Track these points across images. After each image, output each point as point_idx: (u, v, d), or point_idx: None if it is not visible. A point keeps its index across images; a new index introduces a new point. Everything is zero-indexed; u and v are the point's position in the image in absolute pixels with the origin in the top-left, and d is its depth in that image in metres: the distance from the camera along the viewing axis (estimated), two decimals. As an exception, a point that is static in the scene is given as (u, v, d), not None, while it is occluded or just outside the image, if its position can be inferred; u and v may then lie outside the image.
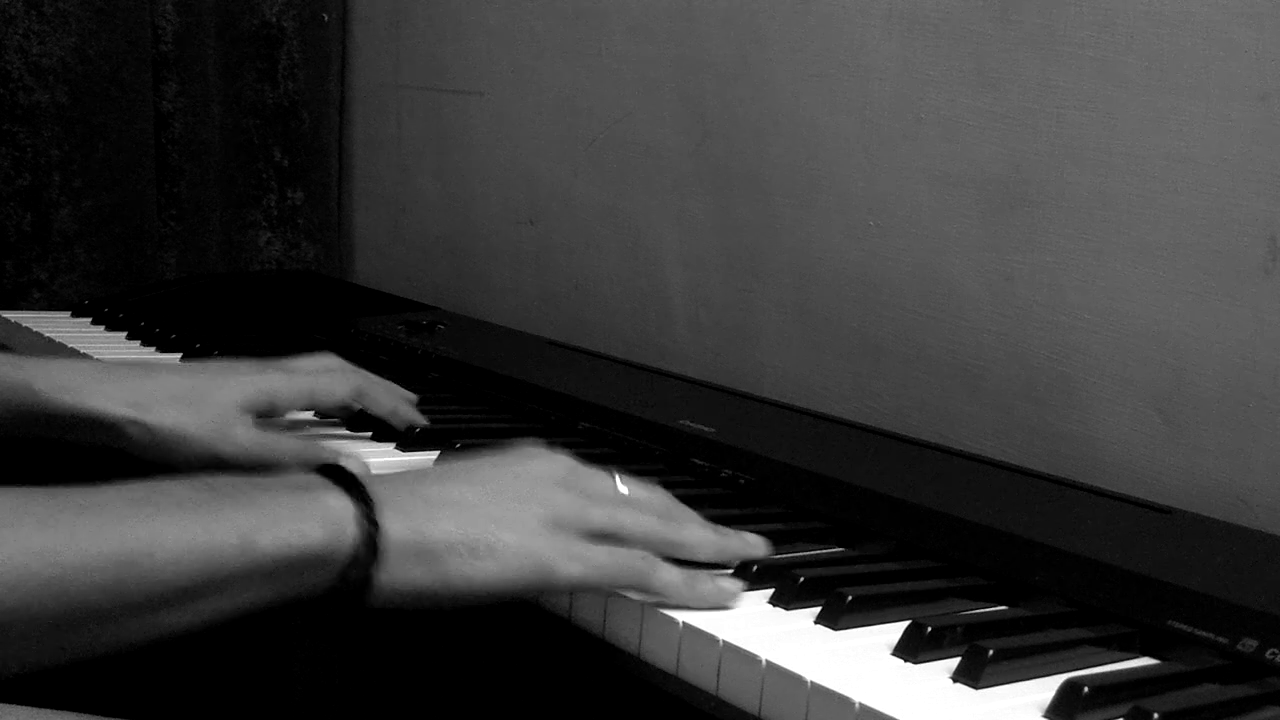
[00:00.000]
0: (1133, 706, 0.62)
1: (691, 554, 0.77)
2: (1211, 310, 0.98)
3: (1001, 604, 0.78)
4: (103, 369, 0.98)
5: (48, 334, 1.33)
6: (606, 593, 0.75)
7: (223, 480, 0.69)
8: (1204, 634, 0.71)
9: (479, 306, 1.59)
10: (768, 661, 0.67)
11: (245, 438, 0.94)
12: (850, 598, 0.73)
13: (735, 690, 0.68)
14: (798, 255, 1.25)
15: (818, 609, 0.74)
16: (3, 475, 0.70)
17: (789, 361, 1.26)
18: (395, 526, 0.69)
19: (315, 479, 0.70)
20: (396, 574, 0.69)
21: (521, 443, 0.79)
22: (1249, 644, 0.69)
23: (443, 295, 1.63)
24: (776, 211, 1.27)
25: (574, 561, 0.72)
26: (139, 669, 1.43)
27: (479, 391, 1.16)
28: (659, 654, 0.72)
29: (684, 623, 0.71)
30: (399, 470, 0.96)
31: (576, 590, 0.74)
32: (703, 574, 0.75)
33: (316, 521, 0.67)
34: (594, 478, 0.77)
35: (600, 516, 0.74)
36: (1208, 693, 0.68)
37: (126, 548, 0.63)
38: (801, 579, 0.76)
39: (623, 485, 0.78)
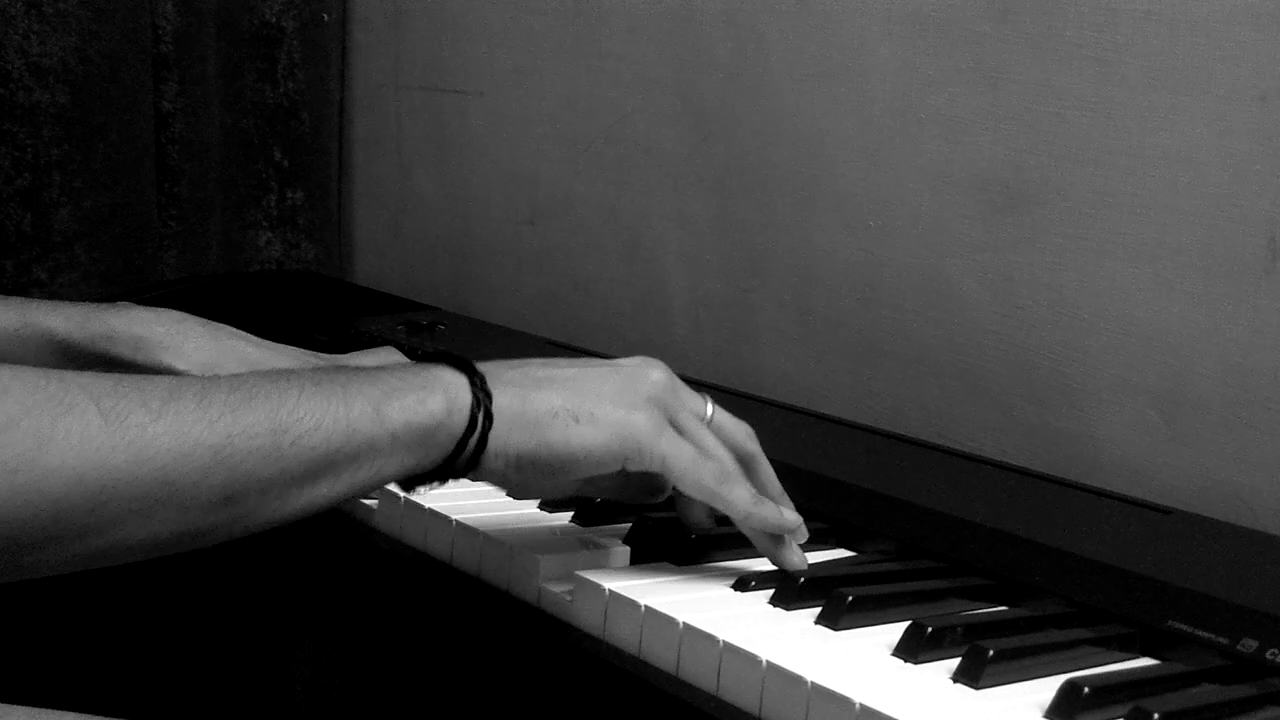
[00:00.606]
0: (1133, 707, 0.62)
1: (734, 512, 0.78)
2: (1211, 310, 0.98)
3: (1002, 604, 0.78)
4: (180, 325, 0.98)
5: (48, 334, 1.32)
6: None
7: (346, 369, 0.74)
8: (1204, 634, 0.71)
9: (479, 306, 1.59)
10: (768, 662, 0.67)
11: None
12: (850, 598, 0.73)
13: (735, 690, 0.68)
14: (798, 255, 1.25)
15: (818, 609, 0.74)
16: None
17: (789, 361, 1.26)
18: (504, 396, 0.74)
19: (429, 362, 0.75)
20: (508, 439, 0.74)
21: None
22: (1249, 644, 0.69)
23: (443, 295, 1.63)
24: (776, 211, 1.27)
25: (666, 441, 0.76)
26: (139, 669, 1.43)
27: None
28: (659, 654, 0.72)
29: (684, 623, 0.71)
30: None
31: (664, 470, 0.76)
32: (768, 503, 0.78)
33: (437, 392, 0.72)
34: (690, 393, 0.81)
35: (686, 419, 0.78)
36: (1208, 693, 0.68)
37: (279, 417, 0.67)
38: (802, 579, 0.76)
39: (711, 408, 0.81)
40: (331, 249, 1.78)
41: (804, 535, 0.80)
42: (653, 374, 0.79)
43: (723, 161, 1.32)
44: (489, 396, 0.74)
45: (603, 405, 0.76)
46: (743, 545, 0.82)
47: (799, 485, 0.93)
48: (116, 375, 0.66)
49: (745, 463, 0.80)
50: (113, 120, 1.55)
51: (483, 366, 0.75)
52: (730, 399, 1.16)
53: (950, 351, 1.14)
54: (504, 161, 1.57)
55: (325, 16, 1.73)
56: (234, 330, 1.02)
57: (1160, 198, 1.00)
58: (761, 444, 0.99)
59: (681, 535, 0.83)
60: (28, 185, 1.51)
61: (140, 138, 1.58)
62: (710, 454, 0.78)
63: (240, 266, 1.74)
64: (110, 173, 1.56)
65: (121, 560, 0.66)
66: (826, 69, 1.22)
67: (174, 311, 1.01)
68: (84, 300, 1.49)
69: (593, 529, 0.88)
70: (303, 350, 1.02)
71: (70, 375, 0.64)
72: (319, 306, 1.58)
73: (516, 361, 0.78)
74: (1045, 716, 0.64)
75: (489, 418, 0.73)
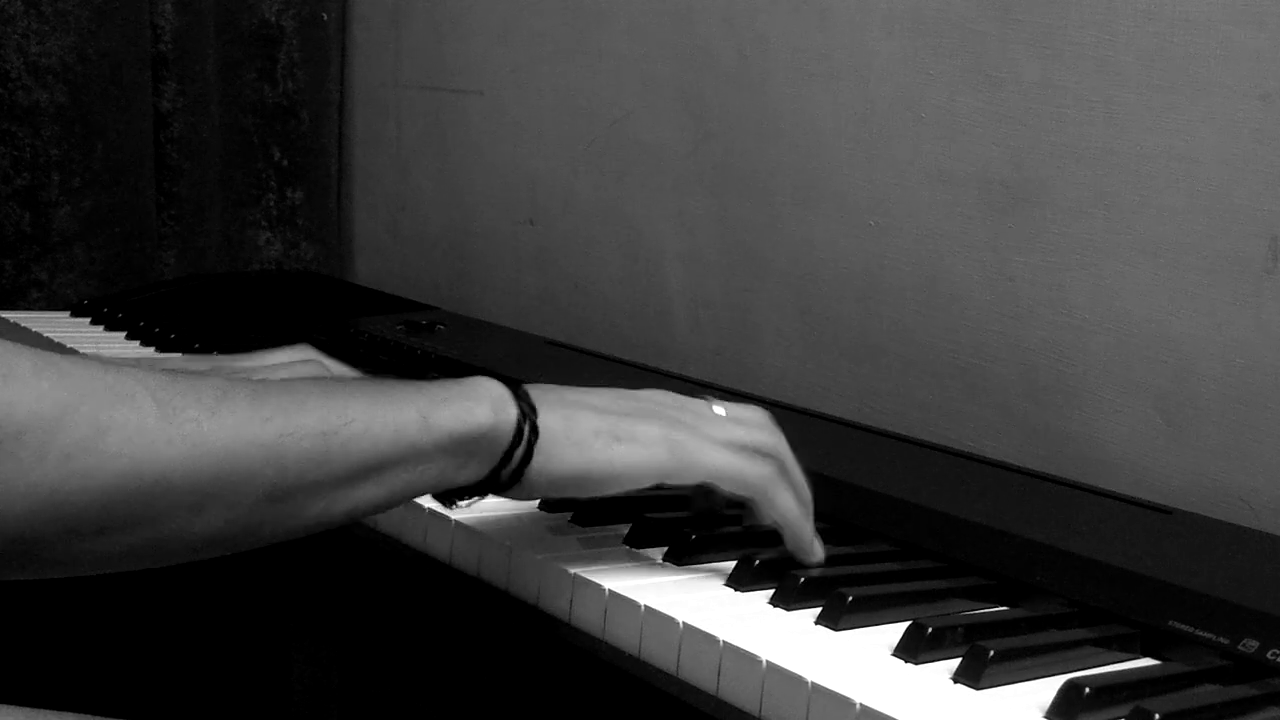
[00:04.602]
0: (1134, 707, 0.62)
1: (774, 508, 0.79)
2: (1212, 310, 0.98)
3: (1002, 604, 0.78)
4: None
5: (47, 334, 1.33)
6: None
7: (394, 380, 0.75)
8: (1205, 634, 0.71)
9: (479, 306, 1.58)
10: (768, 662, 0.67)
11: None
12: (851, 598, 0.73)
13: (735, 690, 0.68)
14: (798, 255, 1.25)
15: (818, 609, 0.74)
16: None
17: (789, 361, 1.26)
18: (549, 414, 0.75)
19: (475, 377, 0.75)
20: (551, 455, 0.74)
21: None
22: (1250, 644, 0.69)
23: (442, 295, 1.63)
24: (776, 211, 1.27)
25: (708, 453, 0.77)
26: (138, 669, 1.43)
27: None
28: (659, 654, 0.72)
29: (684, 623, 0.71)
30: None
31: (712, 479, 0.77)
32: (811, 523, 0.80)
33: (484, 402, 0.73)
34: (707, 407, 0.82)
35: (722, 428, 0.79)
36: (1209, 693, 0.68)
37: (328, 420, 0.68)
38: (802, 579, 0.76)
39: (720, 407, 0.82)
40: (331, 249, 1.78)
41: (819, 557, 0.81)
42: (667, 396, 0.81)
43: (723, 161, 1.32)
44: (535, 412, 0.74)
45: (641, 423, 0.77)
46: (743, 546, 0.82)
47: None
48: (171, 371, 0.67)
49: (776, 457, 0.81)
50: (112, 120, 1.55)
51: (527, 385, 0.76)
52: (730, 399, 1.16)
53: (950, 351, 1.14)
54: (504, 161, 1.57)
55: (325, 16, 1.73)
56: (158, 358, 1.00)
57: (1160, 198, 1.00)
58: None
59: (681, 535, 0.82)
60: (27, 185, 1.51)
61: (139, 137, 1.58)
62: (753, 456, 0.79)
63: (239, 266, 1.74)
64: (109, 172, 1.55)
65: (170, 558, 0.67)
66: (826, 69, 1.22)
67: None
68: (82, 300, 1.49)
69: (592, 529, 0.87)
70: (216, 358, 1.00)
71: (127, 368, 0.65)
72: (318, 306, 1.58)
73: (548, 386, 0.79)
74: (1046, 717, 0.64)
75: (535, 432, 0.74)
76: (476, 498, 0.76)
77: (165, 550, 0.66)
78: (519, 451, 0.73)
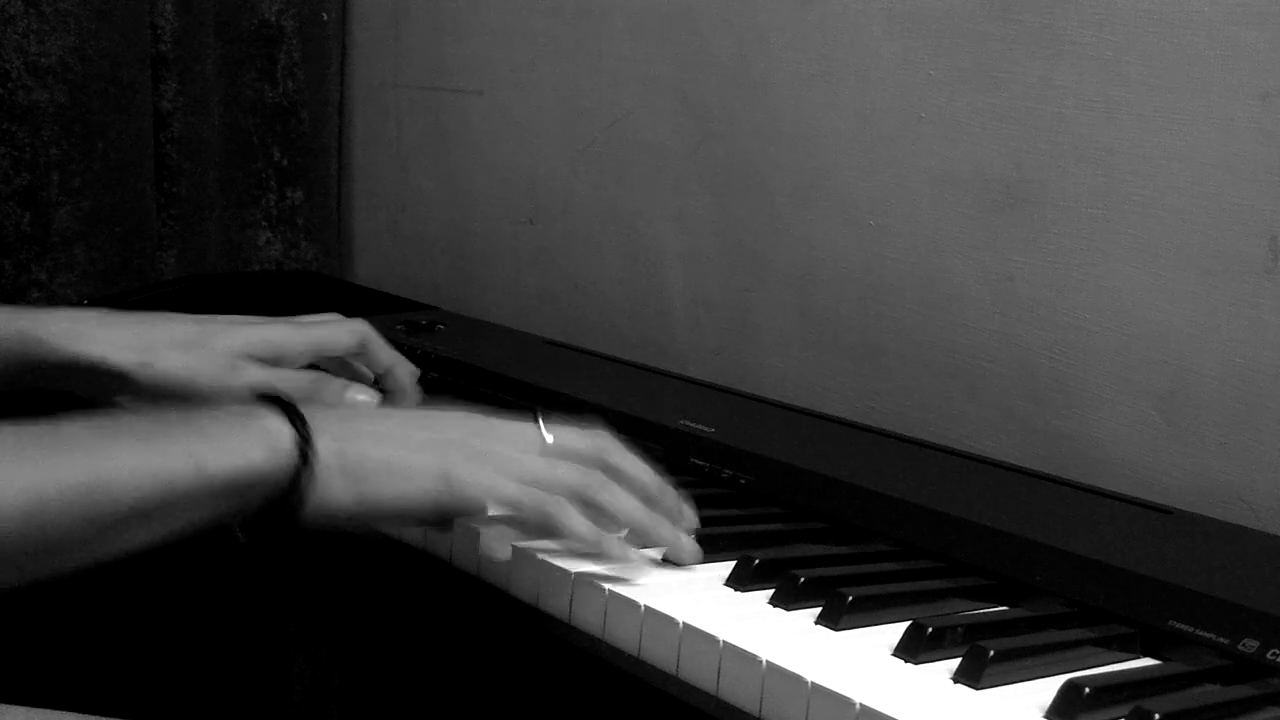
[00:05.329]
0: (1134, 707, 0.62)
1: (611, 516, 0.79)
2: (1212, 310, 0.98)
3: (1002, 604, 0.78)
4: (106, 316, 0.98)
5: (47, 334, 1.32)
6: (518, 536, 0.80)
7: (173, 412, 0.75)
8: (1205, 634, 0.71)
9: (479, 306, 1.58)
10: (768, 662, 0.67)
11: (256, 375, 0.96)
12: (851, 598, 0.73)
13: (735, 690, 0.68)
14: (798, 255, 1.25)
15: (818, 609, 0.74)
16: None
17: (789, 361, 1.26)
18: (325, 448, 0.74)
19: (258, 406, 0.75)
20: (324, 492, 0.74)
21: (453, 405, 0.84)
22: (1250, 644, 0.69)
23: (442, 295, 1.63)
24: (776, 211, 1.27)
25: (486, 490, 0.77)
26: (139, 669, 1.43)
27: (479, 391, 1.16)
28: (659, 654, 0.72)
29: (684, 623, 0.71)
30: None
31: (483, 514, 0.77)
32: (613, 537, 0.78)
33: (259, 443, 0.73)
34: (517, 430, 0.80)
35: (515, 466, 0.78)
36: (1208, 693, 0.68)
37: (95, 475, 0.68)
38: (802, 579, 0.76)
39: (550, 435, 0.81)
40: (331, 248, 1.78)
41: (692, 555, 0.81)
42: (469, 419, 0.80)
43: (723, 161, 1.32)
44: (311, 448, 0.74)
45: (416, 456, 0.76)
46: (743, 546, 0.82)
47: (799, 485, 0.93)
48: None
49: (586, 505, 0.79)
50: (111, 120, 1.55)
51: (310, 415, 0.75)
52: (730, 399, 1.16)
53: (950, 351, 1.14)
54: (504, 161, 1.57)
55: (325, 16, 1.73)
56: (164, 314, 1.01)
57: (1160, 197, 1.00)
58: (762, 444, 1.00)
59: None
60: (26, 185, 1.51)
61: (139, 137, 1.58)
62: (549, 484, 0.78)
63: (239, 266, 1.74)
64: (109, 172, 1.55)
65: None
66: (826, 69, 1.22)
67: (97, 308, 1.02)
68: (82, 300, 1.49)
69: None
70: (237, 316, 1.01)
71: None
72: (318, 306, 1.58)
73: (346, 410, 0.81)
74: (1046, 717, 0.64)
75: (309, 470, 0.73)
76: (257, 530, 0.74)
77: None
78: (291, 490, 0.73)
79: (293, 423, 0.74)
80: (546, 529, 0.78)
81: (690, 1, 1.33)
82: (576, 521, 0.77)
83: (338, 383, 0.98)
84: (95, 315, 0.98)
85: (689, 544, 0.81)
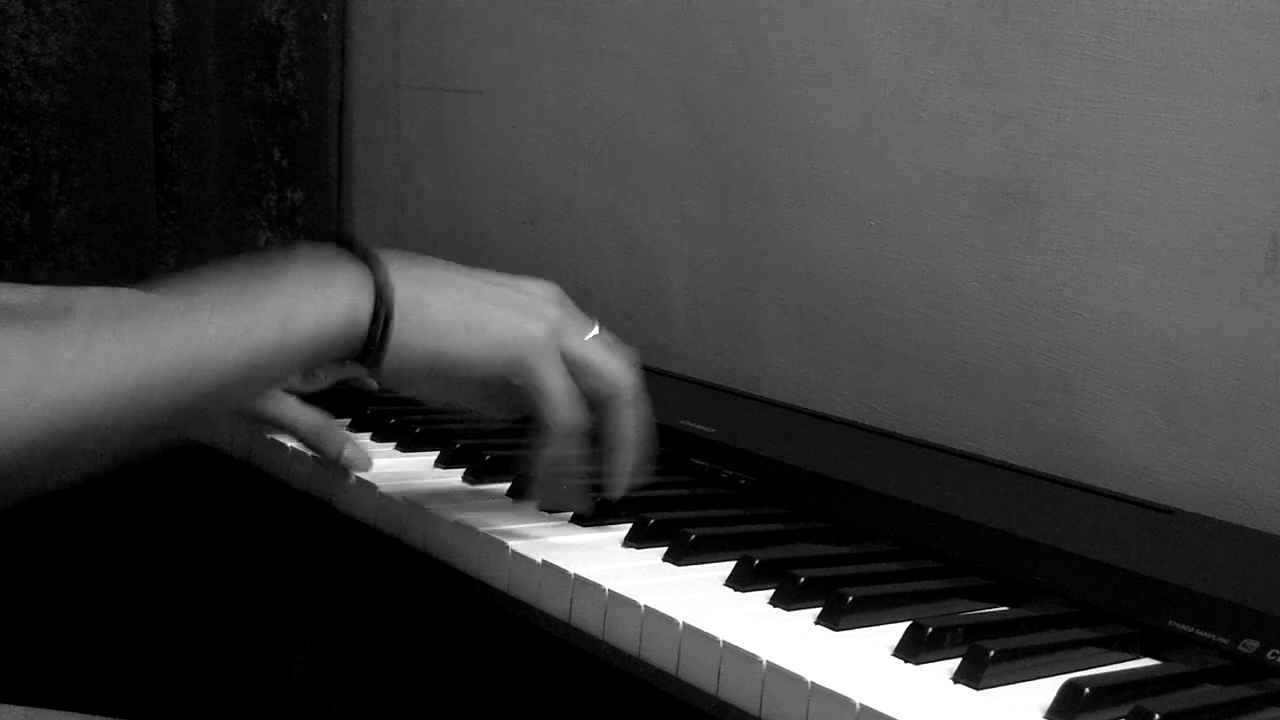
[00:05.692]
0: (1134, 707, 0.62)
1: (617, 427, 0.82)
2: (1212, 310, 0.98)
3: (1002, 604, 0.78)
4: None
5: (47, 334, 1.32)
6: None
7: (257, 270, 0.76)
8: (1205, 634, 0.71)
9: (478, 306, 1.58)
10: (768, 662, 0.67)
11: (273, 401, 0.99)
12: (851, 598, 0.73)
13: (735, 690, 0.68)
14: (798, 255, 1.25)
15: (818, 609, 0.74)
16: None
17: (789, 361, 1.26)
18: (405, 298, 0.76)
19: (339, 258, 0.77)
20: (403, 339, 0.76)
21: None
22: (1250, 645, 0.69)
23: (442, 295, 1.63)
24: (776, 211, 1.27)
25: (552, 371, 0.79)
26: (138, 669, 1.43)
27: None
28: (659, 654, 0.72)
29: (684, 623, 0.71)
30: (400, 466, 0.97)
31: (541, 395, 0.79)
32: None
33: (344, 294, 0.75)
34: (581, 319, 0.83)
35: (577, 344, 0.81)
36: (1208, 693, 0.68)
37: (185, 350, 0.70)
38: (802, 579, 0.76)
39: (596, 328, 0.83)
40: (331, 249, 1.78)
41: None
42: (548, 294, 0.83)
43: (723, 161, 1.32)
44: (390, 294, 0.76)
45: (496, 316, 0.78)
46: (743, 546, 0.82)
47: (799, 485, 0.93)
48: (39, 319, 0.70)
49: (608, 405, 0.82)
50: (112, 120, 1.55)
51: (389, 262, 0.77)
52: (730, 399, 1.16)
53: (950, 351, 1.14)
54: (504, 161, 1.57)
55: (325, 16, 1.73)
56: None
57: (1160, 198, 1.00)
58: (762, 444, 1.00)
59: (681, 535, 0.83)
60: (26, 185, 1.51)
61: (139, 137, 1.58)
62: (598, 372, 0.81)
63: (239, 266, 1.74)
64: (109, 172, 1.55)
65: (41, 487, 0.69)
66: (826, 69, 1.22)
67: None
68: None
69: (592, 529, 0.87)
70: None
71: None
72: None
73: (423, 259, 0.80)
74: (1046, 717, 0.64)
75: (389, 319, 0.75)
76: (335, 366, 0.78)
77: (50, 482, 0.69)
78: (372, 335, 0.75)
79: (373, 269, 0.76)
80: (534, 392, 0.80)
81: (690, 1, 1.33)
82: (629, 421, 0.82)
83: (340, 430, 0.99)
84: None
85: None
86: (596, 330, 0.83)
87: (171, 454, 0.83)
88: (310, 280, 0.75)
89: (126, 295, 0.75)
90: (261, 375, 0.74)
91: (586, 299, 1.46)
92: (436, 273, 0.79)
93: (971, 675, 0.66)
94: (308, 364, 0.76)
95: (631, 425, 0.83)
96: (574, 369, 0.80)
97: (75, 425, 0.66)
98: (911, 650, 0.69)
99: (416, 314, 0.76)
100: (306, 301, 0.74)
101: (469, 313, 0.78)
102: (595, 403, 0.82)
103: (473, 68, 1.60)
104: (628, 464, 0.83)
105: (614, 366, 0.82)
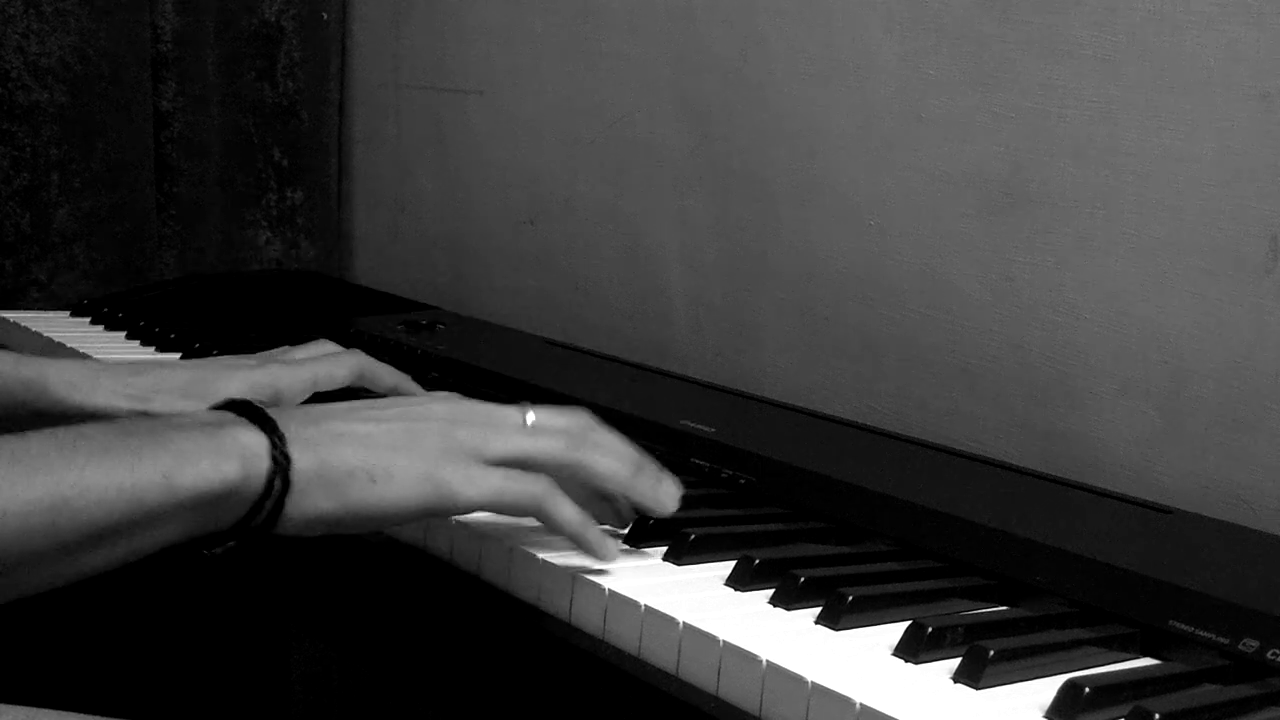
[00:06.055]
0: (1134, 707, 0.62)
1: (595, 474, 0.78)
2: (1212, 310, 0.98)
3: (1002, 604, 0.78)
4: (102, 367, 0.99)
5: (46, 334, 1.32)
6: (508, 519, 0.80)
7: (141, 423, 0.72)
8: (1205, 634, 0.71)
9: (479, 306, 1.58)
10: (768, 661, 0.67)
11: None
12: (851, 598, 0.73)
13: (735, 690, 0.68)
14: (798, 255, 1.25)
15: (818, 609, 0.74)
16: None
17: (789, 361, 1.26)
18: (302, 458, 0.72)
19: (228, 415, 0.73)
20: (304, 503, 0.72)
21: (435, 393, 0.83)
22: (1250, 644, 0.69)
23: (442, 295, 1.63)
24: (776, 211, 1.27)
25: (471, 484, 0.75)
26: (138, 669, 1.43)
27: (479, 391, 1.16)
28: (659, 654, 0.72)
29: (684, 623, 0.71)
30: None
31: (474, 511, 0.76)
32: (595, 526, 0.78)
33: (232, 457, 0.70)
34: (497, 412, 0.79)
35: (499, 444, 0.76)
36: (1208, 693, 0.68)
37: (59, 492, 0.65)
38: (802, 579, 0.76)
39: (532, 414, 0.79)
40: (331, 248, 1.78)
41: (611, 556, 0.79)
42: (448, 408, 0.78)
43: (723, 161, 1.32)
44: (288, 459, 0.71)
45: (399, 459, 0.74)
46: (743, 545, 0.82)
47: (799, 485, 0.93)
48: None
49: (571, 469, 0.78)
50: (111, 120, 1.55)
51: (282, 420, 0.73)
52: (730, 399, 1.16)
53: (950, 351, 1.14)
54: (504, 161, 1.57)
55: (325, 16, 1.73)
56: (166, 362, 1.02)
57: (1160, 198, 1.00)
58: (762, 444, 1.00)
59: (681, 535, 0.82)
60: (26, 185, 1.51)
61: (139, 137, 1.58)
62: (534, 460, 0.77)
63: (239, 266, 1.74)
64: (109, 172, 1.56)
65: None
66: (826, 69, 1.22)
67: (98, 360, 1.02)
68: (82, 300, 1.49)
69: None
70: (241, 360, 1.01)
71: None
72: (318, 306, 1.58)
73: (318, 411, 0.76)
74: (1046, 717, 0.64)
75: (286, 483, 0.71)
76: (230, 544, 0.72)
77: None
78: (269, 503, 0.71)
79: (265, 431, 0.72)
80: (532, 514, 0.77)
81: (690, 1, 1.33)
82: (564, 508, 0.76)
83: None
84: (98, 366, 0.99)
85: (670, 487, 0.81)
86: (529, 415, 0.78)
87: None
88: (196, 438, 0.70)
89: (9, 440, 0.68)
90: (149, 529, 0.68)
91: (586, 299, 1.47)
92: (337, 424, 0.75)
93: (971, 675, 0.66)
94: (201, 524, 0.70)
95: (603, 464, 0.79)
96: (512, 465, 0.77)
97: None
98: (911, 650, 0.69)
99: (319, 470, 0.72)
100: (190, 459, 0.69)
101: (373, 462, 0.73)
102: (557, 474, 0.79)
103: (473, 68, 1.60)
104: (642, 489, 0.80)
105: (544, 447, 0.77)
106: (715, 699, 0.69)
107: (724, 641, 0.69)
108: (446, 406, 0.78)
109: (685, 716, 0.69)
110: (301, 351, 1.03)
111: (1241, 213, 0.96)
